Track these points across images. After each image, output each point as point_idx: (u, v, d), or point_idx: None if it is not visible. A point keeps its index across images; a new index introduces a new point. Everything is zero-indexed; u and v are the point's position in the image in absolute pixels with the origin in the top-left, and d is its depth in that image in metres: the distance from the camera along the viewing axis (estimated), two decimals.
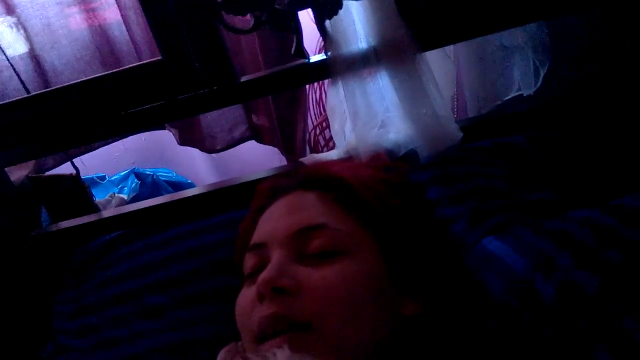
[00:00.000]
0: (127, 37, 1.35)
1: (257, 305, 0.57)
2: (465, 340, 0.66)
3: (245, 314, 0.60)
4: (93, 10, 1.38)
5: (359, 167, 0.75)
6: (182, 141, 1.46)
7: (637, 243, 0.68)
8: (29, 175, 1.14)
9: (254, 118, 1.36)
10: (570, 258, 0.69)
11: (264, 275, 0.57)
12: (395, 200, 0.65)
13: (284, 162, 1.39)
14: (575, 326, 0.64)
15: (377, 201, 0.64)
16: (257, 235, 0.66)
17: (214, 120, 1.37)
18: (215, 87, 0.94)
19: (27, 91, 1.07)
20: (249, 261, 0.65)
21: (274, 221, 0.65)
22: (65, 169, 1.31)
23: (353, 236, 0.61)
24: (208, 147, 1.42)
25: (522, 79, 0.98)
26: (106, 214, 1.10)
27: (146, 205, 1.08)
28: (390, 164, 0.78)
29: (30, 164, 1.21)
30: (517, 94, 1.00)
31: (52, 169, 1.38)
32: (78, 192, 1.15)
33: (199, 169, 1.94)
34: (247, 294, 0.61)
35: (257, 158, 1.71)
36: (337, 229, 0.61)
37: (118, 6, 1.28)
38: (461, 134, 0.93)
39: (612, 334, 0.61)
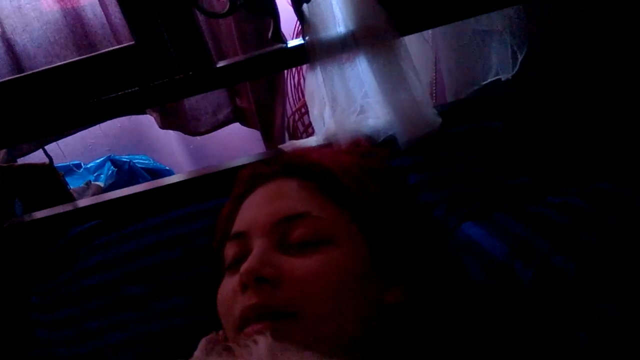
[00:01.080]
0: (103, 20, 1.32)
1: (240, 295, 0.57)
2: (447, 326, 0.67)
3: (228, 304, 0.60)
4: None
5: (340, 153, 0.74)
6: (164, 125, 1.44)
7: (613, 226, 0.69)
8: (0, 164, 1.11)
9: (238, 101, 1.34)
10: (548, 242, 0.70)
11: (246, 265, 0.56)
12: (376, 187, 0.65)
13: (263, 148, 1.38)
14: (554, 309, 0.65)
15: (358, 188, 0.63)
16: (238, 224, 0.65)
17: (197, 102, 1.35)
18: (190, 73, 0.92)
19: None
20: (230, 250, 0.64)
21: (255, 209, 0.64)
22: (40, 154, 1.29)
23: (335, 224, 0.61)
24: (192, 130, 1.40)
25: (500, 64, 0.98)
26: (82, 203, 1.08)
27: (123, 194, 1.06)
28: (370, 150, 0.77)
29: (1, 152, 1.18)
30: (495, 78, 1.00)
31: (25, 154, 1.35)
32: (52, 181, 1.12)
33: (176, 155, 1.92)
34: (229, 284, 0.61)
35: (235, 144, 1.70)
36: (319, 217, 0.61)
37: None
38: (440, 119, 0.93)
39: (590, 316, 0.62)
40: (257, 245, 0.59)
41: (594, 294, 0.64)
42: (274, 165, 0.69)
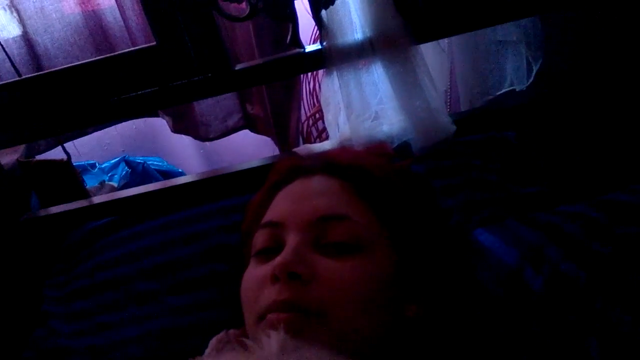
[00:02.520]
0: (121, 23, 1.34)
1: (268, 286, 0.57)
2: (462, 337, 0.67)
3: (253, 292, 0.59)
4: None
5: (375, 156, 0.73)
6: (176, 129, 1.46)
7: (624, 236, 0.69)
8: (19, 159, 1.13)
9: (249, 107, 1.36)
10: (559, 251, 0.70)
11: (281, 258, 0.56)
12: (412, 196, 0.65)
13: (276, 152, 1.39)
14: (565, 318, 0.65)
15: (394, 194, 0.63)
16: (274, 213, 0.64)
17: (208, 108, 1.36)
18: (209, 75, 0.94)
19: (19, 74, 1.05)
20: (261, 237, 0.63)
21: (293, 202, 0.64)
22: (57, 152, 1.30)
23: (370, 230, 0.61)
24: (202, 135, 1.42)
25: (514, 74, 0.99)
26: (97, 199, 1.10)
27: (137, 192, 1.08)
28: (395, 155, 0.78)
29: (21, 148, 1.21)
30: (509, 88, 1.01)
31: (44, 152, 1.37)
32: (69, 177, 1.14)
33: (189, 158, 1.94)
34: (257, 271, 0.60)
35: (248, 148, 1.71)
36: (357, 222, 0.60)
37: None
38: (454, 127, 0.94)
39: (600, 325, 0.62)
40: (293, 240, 0.59)
41: (604, 303, 0.64)
42: (316, 161, 0.69)
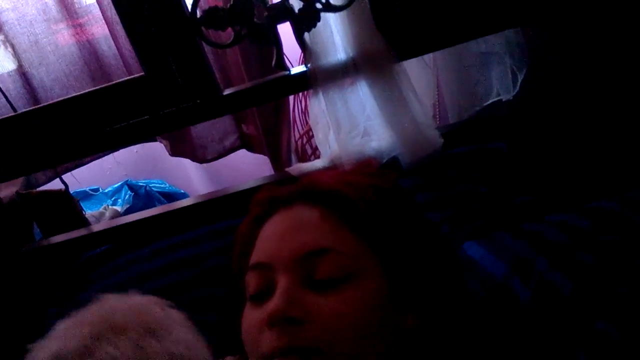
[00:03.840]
0: (116, 52, 1.36)
1: (267, 331, 0.57)
2: (459, 344, 0.67)
3: (253, 337, 0.60)
4: (80, 25, 1.39)
5: (355, 175, 0.72)
6: (174, 152, 1.48)
7: (609, 244, 0.70)
8: (19, 191, 1.15)
9: (244, 127, 1.37)
10: (547, 261, 0.71)
11: (275, 305, 0.57)
12: (389, 210, 0.64)
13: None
14: (553, 329, 0.66)
15: (375, 215, 0.63)
16: (260, 254, 0.65)
17: (204, 130, 1.38)
18: (198, 101, 0.96)
19: (14, 109, 1.08)
20: (253, 280, 0.63)
21: (277, 239, 0.64)
22: (58, 183, 1.33)
23: (357, 258, 0.61)
24: (199, 157, 1.44)
25: (500, 85, 1.00)
26: (96, 227, 1.11)
27: (136, 218, 1.09)
28: (380, 171, 0.78)
29: (20, 180, 1.23)
30: (496, 99, 1.02)
31: (43, 184, 1.39)
32: (68, 207, 1.16)
33: (192, 179, 1.96)
34: (253, 316, 0.61)
35: (249, 166, 1.72)
36: (343, 252, 0.60)
37: (105, 21, 1.30)
38: (442, 140, 0.95)
39: (586, 335, 0.63)
40: (283, 282, 0.59)
41: (590, 313, 0.64)
42: (293, 189, 0.68)
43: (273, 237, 0.65)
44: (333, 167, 0.98)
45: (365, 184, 0.67)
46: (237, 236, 0.73)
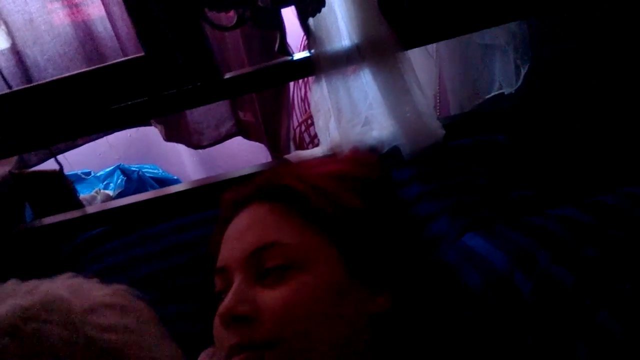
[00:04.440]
0: (112, 33, 1.34)
1: (225, 332, 0.59)
2: (439, 333, 0.67)
3: (217, 338, 0.62)
4: (76, 5, 1.37)
5: (320, 166, 0.74)
6: (168, 137, 1.46)
7: (612, 239, 0.70)
8: (11, 171, 1.13)
9: (241, 114, 1.36)
10: (549, 254, 0.71)
11: (224, 304, 0.59)
12: (353, 198, 0.65)
13: (270, 158, 1.39)
14: (554, 322, 0.66)
15: (328, 204, 0.64)
16: (220, 258, 0.66)
17: (200, 116, 1.36)
18: (198, 84, 0.94)
19: (9, 87, 1.06)
20: (217, 283, 0.66)
21: (232, 241, 0.66)
22: (50, 165, 1.31)
23: (305, 247, 0.61)
24: (194, 143, 1.42)
25: (503, 78, 0.99)
26: (90, 210, 1.10)
27: (131, 202, 1.08)
28: (364, 159, 0.78)
29: (13, 160, 1.21)
30: (498, 92, 1.01)
31: (36, 165, 1.37)
32: (61, 188, 1.14)
33: (185, 165, 1.94)
34: (216, 317, 0.62)
35: (244, 154, 1.71)
36: (288, 244, 0.61)
37: (102, 2, 1.28)
38: (443, 131, 0.94)
39: (588, 328, 0.63)
40: (235, 282, 0.61)
41: (592, 307, 0.64)
42: (251, 188, 0.70)
43: (229, 240, 0.66)
44: (331, 155, 0.97)
45: (324, 173, 0.68)
46: (210, 241, 0.74)
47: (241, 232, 0.65)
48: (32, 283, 0.51)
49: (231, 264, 0.63)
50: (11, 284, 0.50)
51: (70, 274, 0.56)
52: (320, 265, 0.60)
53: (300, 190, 0.65)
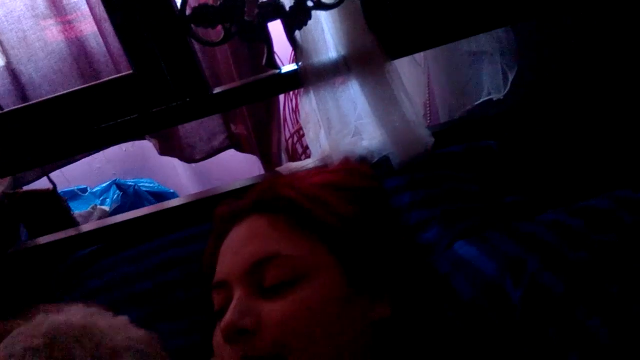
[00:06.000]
0: (104, 49, 1.35)
1: (227, 347, 0.58)
2: (436, 339, 0.67)
3: (218, 354, 0.61)
4: (69, 22, 1.38)
5: (314, 176, 0.73)
6: (162, 151, 1.46)
7: (601, 243, 0.70)
8: (5, 191, 1.14)
9: (233, 127, 1.36)
10: (538, 260, 0.71)
11: (226, 319, 0.57)
12: (348, 206, 0.64)
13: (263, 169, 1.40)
14: (544, 327, 0.66)
15: (326, 213, 0.63)
16: (219, 272, 0.65)
17: (192, 129, 1.37)
18: (187, 99, 0.95)
19: (0, 107, 1.06)
20: (216, 299, 0.65)
21: (230, 255, 0.65)
22: (45, 182, 1.31)
23: (306, 257, 0.61)
24: (187, 157, 1.43)
25: (491, 84, 1.00)
26: (84, 228, 1.10)
27: (124, 219, 1.08)
28: (355, 168, 0.78)
29: (7, 180, 1.21)
30: (486, 98, 1.01)
31: (31, 182, 1.37)
32: (55, 207, 1.15)
33: (181, 178, 1.94)
34: (217, 334, 0.61)
35: (238, 165, 1.71)
36: (288, 255, 0.61)
37: (94, 18, 1.29)
38: (432, 139, 0.94)
39: (579, 334, 0.63)
40: (236, 295, 0.60)
41: (582, 311, 0.64)
42: (247, 200, 0.69)
43: (227, 253, 0.65)
44: (322, 166, 0.97)
45: (318, 182, 0.68)
46: (204, 255, 0.73)
47: (240, 245, 0.64)
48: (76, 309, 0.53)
49: (231, 277, 0.62)
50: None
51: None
52: (322, 276, 0.60)
53: (298, 200, 0.64)
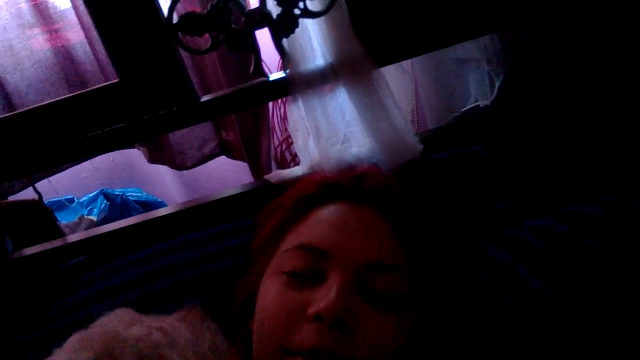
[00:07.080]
0: (92, 57, 1.35)
1: (304, 322, 0.55)
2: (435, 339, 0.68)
3: (281, 320, 0.56)
4: (56, 31, 1.37)
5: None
6: (152, 159, 1.46)
7: (588, 248, 0.70)
8: None
9: (224, 134, 1.36)
10: (526, 266, 0.71)
11: (330, 302, 0.54)
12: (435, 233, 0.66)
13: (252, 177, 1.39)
14: (533, 333, 0.66)
15: (423, 224, 0.64)
16: (317, 238, 0.61)
17: (183, 137, 1.37)
18: (175, 108, 0.94)
19: None
20: (297, 259, 0.60)
21: (339, 231, 0.61)
22: (31, 192, 1.30)
23: (411, 282, 0.61)
24: (178, 165, 1.42)
25: (478, 90, 1.00)
26: (71, 238, 1.09)
27: (111, 229, 1.07)
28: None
29: None
30: (474, 104, 1.02)
31: (17, 193, 1.36)
32: (41, 217, 1.13)
33: (169, 186, 1.93)
34: (287, 297, 0.58)
35: (227, 174, 1.71)
36: (406, 277, 0.60)
37: (81, 27, 1.28)
38: (421, 146, 0.95)
39: (568, 339, 0.63)
40: (339, 279, 0.56)
41: (570, 316, 0.64)
42: (360, 186, 0.66)
43: (334, 226, 0.62)
44: (316, 174, 0.97)
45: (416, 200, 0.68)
46: (277, 205, 0.71)
47: (358, 229, 0.61)
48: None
49: (337, 254, 0.58)
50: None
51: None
52: (412, 309, 0.60)
53: (418, 221, 0.64)
